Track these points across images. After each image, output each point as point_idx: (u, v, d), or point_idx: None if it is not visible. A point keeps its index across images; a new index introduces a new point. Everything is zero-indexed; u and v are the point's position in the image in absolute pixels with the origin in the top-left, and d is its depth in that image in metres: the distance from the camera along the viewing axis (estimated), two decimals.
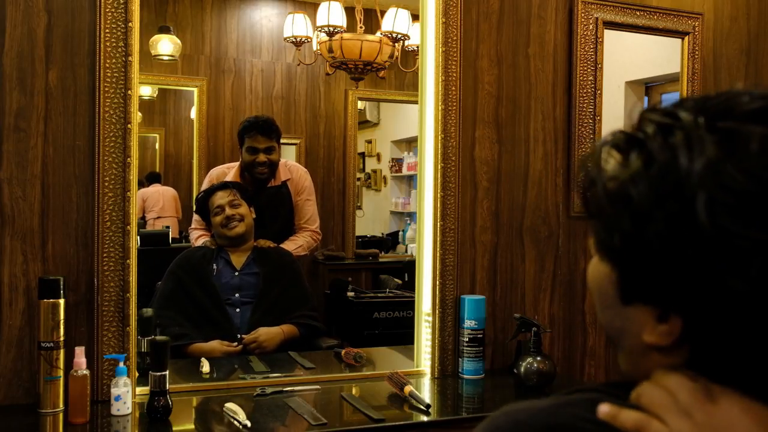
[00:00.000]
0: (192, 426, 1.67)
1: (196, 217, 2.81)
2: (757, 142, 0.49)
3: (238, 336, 2.25)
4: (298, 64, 3.79)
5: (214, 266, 2.40)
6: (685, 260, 0.50)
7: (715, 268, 0.50)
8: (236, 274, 2.41)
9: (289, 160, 3.04)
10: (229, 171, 2.88)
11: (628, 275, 0.56)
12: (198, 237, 2.73)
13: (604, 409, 0.55)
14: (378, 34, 3.10)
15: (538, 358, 1.89)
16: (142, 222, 3.71)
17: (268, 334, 2.27)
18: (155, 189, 3.78)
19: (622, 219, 0.54)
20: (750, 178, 0.49)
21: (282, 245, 2.70)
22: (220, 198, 2.47)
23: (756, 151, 0.49)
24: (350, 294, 2.97)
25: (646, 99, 2.44)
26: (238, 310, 2.35)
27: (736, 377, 0.53)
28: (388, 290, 3.20)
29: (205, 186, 2.84)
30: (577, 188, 0.56)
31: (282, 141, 2.93)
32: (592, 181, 0.57)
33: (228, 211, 2.44)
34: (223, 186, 2.55)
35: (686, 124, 0.53)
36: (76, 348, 1.60)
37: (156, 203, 3.75)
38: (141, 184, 3.73)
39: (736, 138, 0.50)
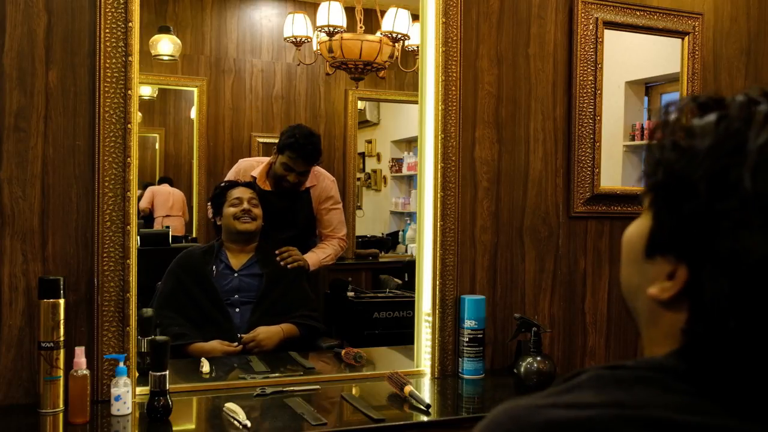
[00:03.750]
0: (192, 426, 1.67)
1: None
2: None
3: (238, 336, 2.25)
4: (298, 64, 3.79)
5: (214, 268, 2.40)
6: (716, 210, 0.53)
7: (739, 224, 0.52)
8: (235, 275, 2.41)
9: (317, 166, 2.87)
10: (258, 166, 2.82)
11: (661, 218, 0.59)
12: None
13: None
14: (378, 34, 3.10)
15: (538, 358, 1.89)
16: (150, 218, 3.74)
17: (267, 332, 2.27)
18: (166, 189, 3.82)
19: (675, 160, 0.57)
20: None
21: (311, 253, 2.69)
22: (242, 192, 2.48)
23: None
24: (350, 294, 2.97)
25: (646, 99, 2.44)
26: (237, 310, 2.35)
27: (724, 344, 0.54)
28: (388, 290, 3.20)
29: (229, 177, 2.83)
30: (654, 122, 0.60)
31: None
32: (664, 124, 0.60)
33: (246, 205, 2.44)
34: (249, 185, 2.56)
35: None
36: (76, 348, 1.60)
37: (166, 201, 3.79)
38: (149, 185, 3.80)
39: None
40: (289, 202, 2.79)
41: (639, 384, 0.56)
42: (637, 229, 0.63)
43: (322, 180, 2.87)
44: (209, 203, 2.64)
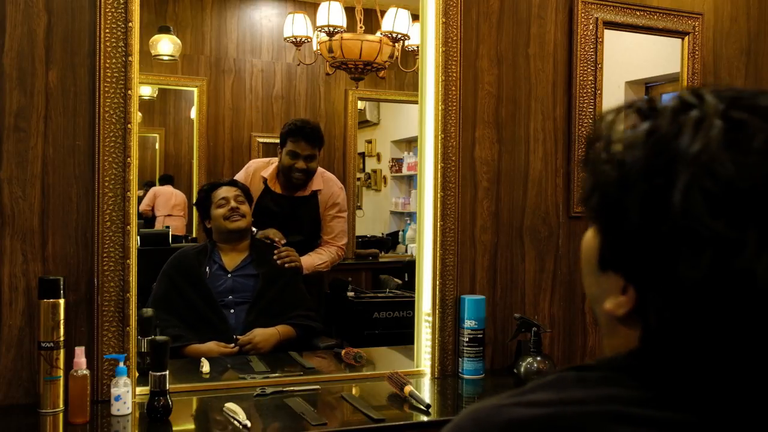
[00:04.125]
0: (192, 426, 1.67)
1: None
2: (761, 140, 0.49)
3: (234, 337, 2.25)
4: (298, 64, 3.79)
5: (207, 269, 2.39)
6: (651, 236, 0.51)
7: (672, 250, 0.50)
8: (228, 275, 2.41)
9: (327, 171, 2.93)
10: (268, 167, 2.83)
11: (604, 239, 0.57)
12: None
13: None
14: (378, 34, 3.10)
15: (538, 358, 1.89)
16: (152, 217, 3.76)
17: (263, 335, 2.27)
18: (168, 189, 3.83)
19: (609, 181, 0.55)
20: (740, 171, 0.48)
21: (306, 257, 2.69)
22: (226, 192, 2.47)
23: (757, 148, 0.49)
24: (350, 294, 2.97)
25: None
26: (232, 311, 2.35)
27: (676, 360, 0.53)
28: (388, 290, 3.20)
29: (239, 177, 2.83)
30: (584, 139, 0.58)
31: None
32: (599, 136, 0.58)
33: (233, 203, 2.44)
34: (231, 183, 2.56)
35: (706, 107, 0.53)
36: (76, 348, 1.60)
37: (168, 201, 3.81)
38: (152, 185, 3.83)
39: (743, 130, 0.50)
40: (297, 206, 2.79)
41: (600, 383, 0.56)
42: (591, 240, 0.61)
43: (330, 186, 2.87)
44: (195, 207, 2.65)
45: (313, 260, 2.73)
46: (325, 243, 2.84)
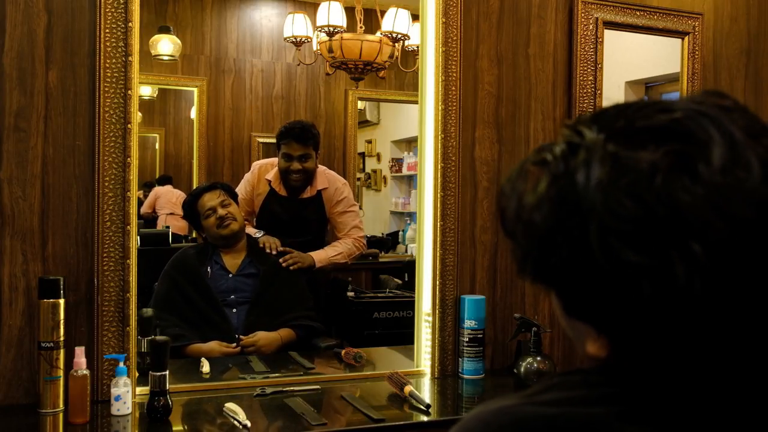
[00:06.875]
0: (192, 426, 1.67)
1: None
2: (643, 168, 0.50)
3: (236, 337, 2.25)
4: (298, 64, 3.79)
5: (209, 269, 2.39)
6: (590, 286, 0.52)
7: (614, 292, 0.51)
8: (230, 276, 2.41)
9: (329, 169, 2.93)
10: (272, 170, 2.83)
11: (556, 296, 0.58)
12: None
13: None
14: (378, 34, 3.10)
15: (538, 358, 1.89)
16: (154, 217, 3.75)
17: (267, 339, 2.27)
18: (168, 189, 3.83)
19: (532, 247, 0.56)
20: (638, 204, 0.49)
21: (319, 251, 2.69)
22: (209, 200, 2.44)
23: (644, 174, 0.50)
24: (350, 294, 2.97)
25: (646, 99, 2.43)
26: (234, 310, 2.35)
27: (665, 390, 0.54)
28: (388, 290, 3.20)
29: (248, 178, 2.83)
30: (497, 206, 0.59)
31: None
32: (507, 205, 0.59)
33: (220, 211, 2.42)
34: (211, 187, 2.51)
35: (588, 143, 0.54)
36: (76, 348, 1.60)
37: (169, 200, 3.80)
38: (151, 185, 3.83)
39: (625, 161, 0.51)
40: (303, 208, 2.79)
41: (606, 384, 0.57)
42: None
43: (333, 183, 2.86)
44: (183, 218, 2.64)
45: (327, 253, 2.72)
46: (341, 238, 2.83)
